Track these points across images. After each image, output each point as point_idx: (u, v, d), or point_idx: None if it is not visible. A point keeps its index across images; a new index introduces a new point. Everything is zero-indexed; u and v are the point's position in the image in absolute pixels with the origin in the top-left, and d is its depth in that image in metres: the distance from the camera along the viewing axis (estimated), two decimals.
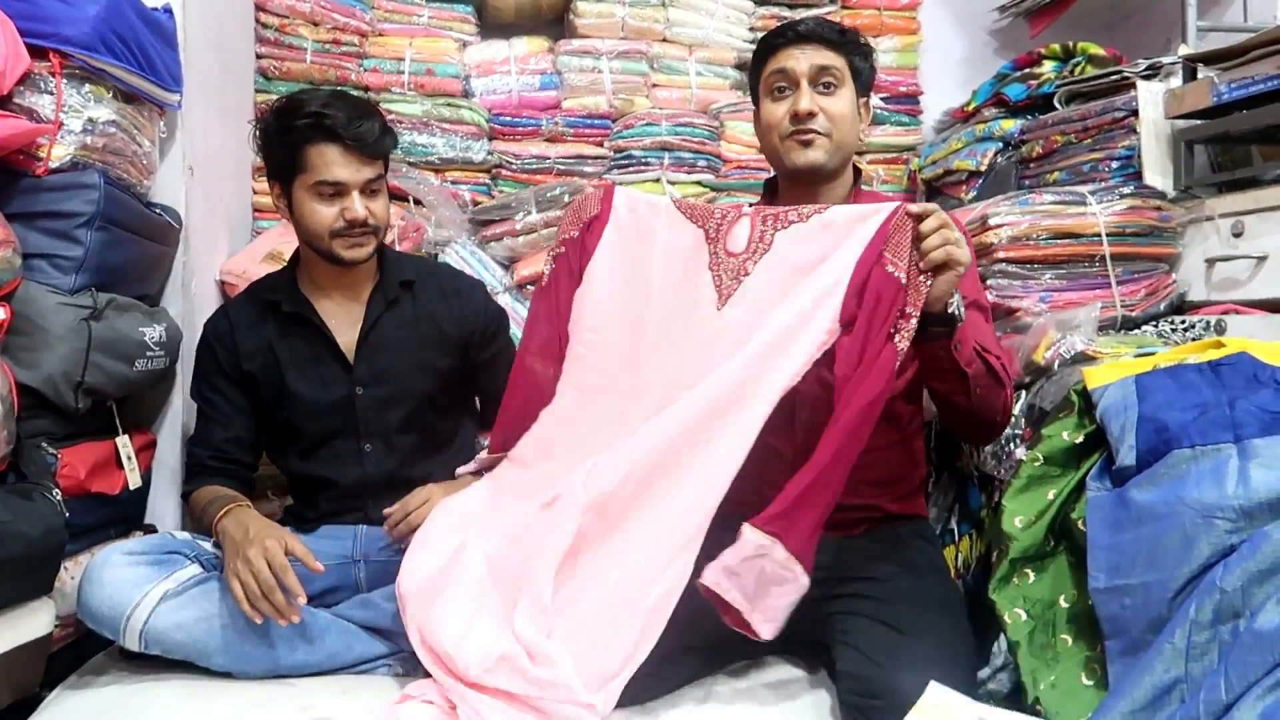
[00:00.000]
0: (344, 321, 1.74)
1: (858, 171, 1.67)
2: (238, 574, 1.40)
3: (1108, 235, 1.96)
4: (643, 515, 1.36)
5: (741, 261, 1.46)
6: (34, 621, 1.46)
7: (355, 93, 2.60)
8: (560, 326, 1.53)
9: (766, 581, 1.24)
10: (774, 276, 1.43)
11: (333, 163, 1.60)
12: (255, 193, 2.59)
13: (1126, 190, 2.03)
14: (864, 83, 1.61)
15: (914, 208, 1.36)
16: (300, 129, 1.59)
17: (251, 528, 1.47)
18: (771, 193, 1.70)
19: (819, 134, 1.54)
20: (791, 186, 1.63)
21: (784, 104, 1.57)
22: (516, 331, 1.91)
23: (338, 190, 1.61)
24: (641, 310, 1.50)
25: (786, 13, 2.92)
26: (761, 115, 1.63)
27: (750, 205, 1.55)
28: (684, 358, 1.44)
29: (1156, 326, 1.91)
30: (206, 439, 1.74)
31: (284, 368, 1.71)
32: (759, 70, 1.62)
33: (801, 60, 1.55)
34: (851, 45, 1.58)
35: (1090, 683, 1.24)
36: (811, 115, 1.54)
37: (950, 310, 1.38)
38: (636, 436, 1.40)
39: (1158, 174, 2.10)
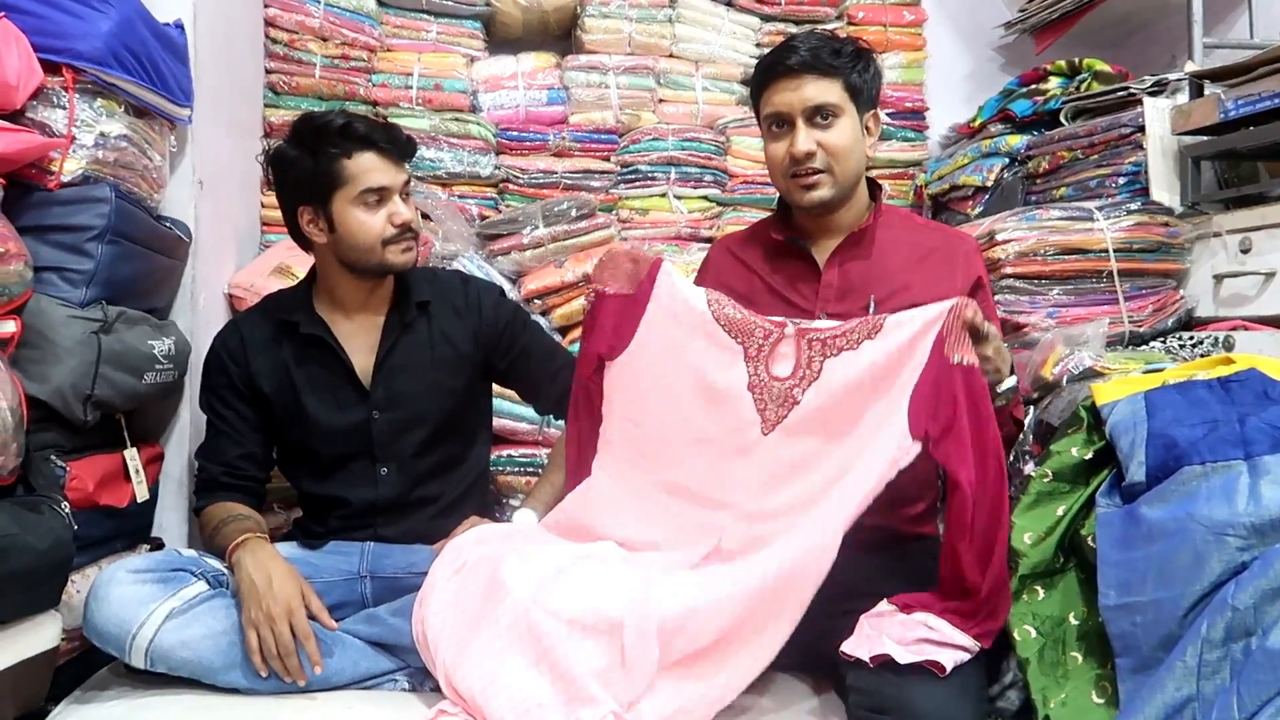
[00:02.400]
0: (361, 344, 1.73)
1: (875, 187, 1.66)
2: (257, 627, 1.42)
3: (1115, 251, 1.96)
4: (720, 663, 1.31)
5: (788, 389, 1.43)
6: (41, 635, 1.45)
7: (363, 108, 2.62)
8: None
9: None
10: (827, 405, 1.41)
11: (373, 169, 1.60)
12: (264, 206, 2.61)
13: (1133, 206, 2.03)
14: (868, 98, 1.57)
15: (967, 311, 1.34)
16: (336, 144, 1.59)
17: (275, 577, 1.46)
18: (785, 212, 1.68)
19: (819, 171, 1.53)
20: (803, 215, 1.63)
21: (783, 143, 1.54)
22: None
23: (381, 197, 1.62)
24: (677, 413, 1.49)
25: (793, 28, 2.93)
26: (766, 152, 1.61)
27: (792, 325, 1.46)
28: (727, 478, 1.45)
29: (1164, 342, 1.91)
30: (218, 454, 1.72)
31: (300, 391, 1.70)
32: (757, 103, 1.61)
33: (794, 97, 1.51)
34: (848, 65, 1.52)
35: (1101, 701, 1.23)
36: (810, 155, 1.52)
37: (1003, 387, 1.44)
38: (706, 585, 1.32)
39: (1165, 190, 2.11)
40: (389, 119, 2.24)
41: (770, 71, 1.55)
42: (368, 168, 1.60)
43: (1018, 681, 1.44)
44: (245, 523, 1.59)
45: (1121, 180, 2.18)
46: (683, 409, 1.49)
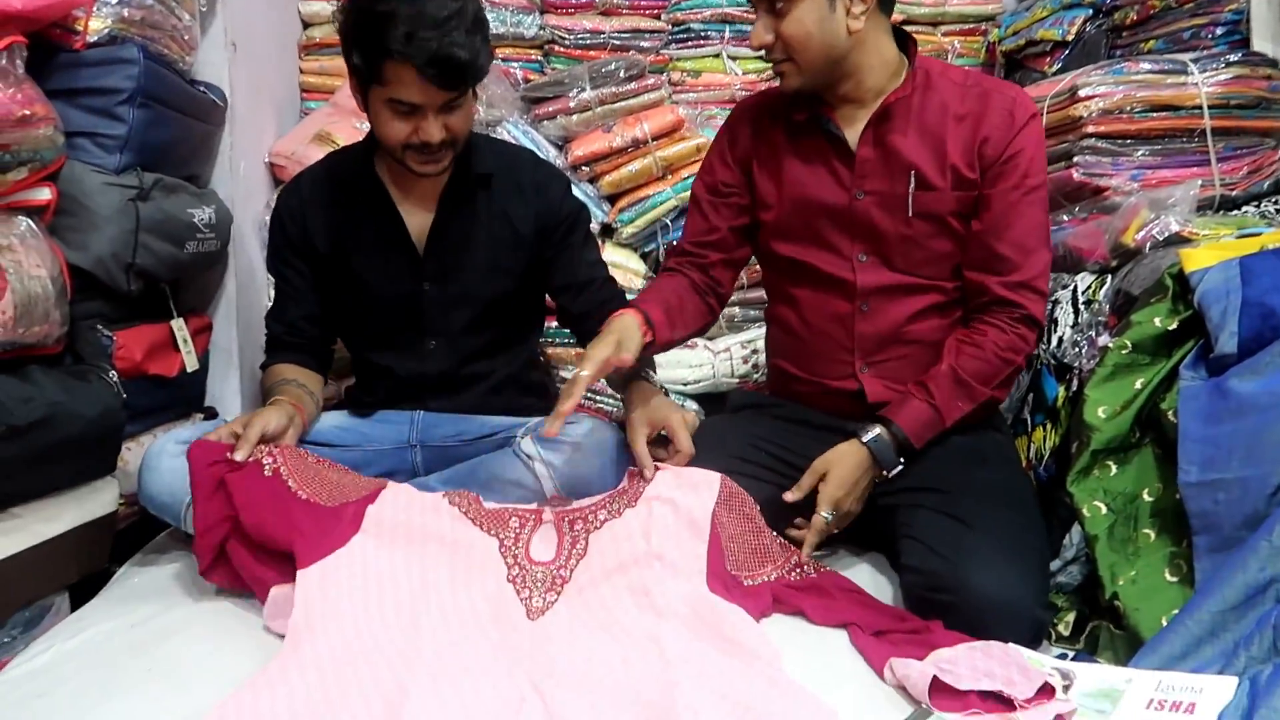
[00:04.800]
0: (418, 212, 1.65)
1: (907, 44, 1.49)
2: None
3: (1210, 107, 1.81)
4: None
5: (555, 571, 1.31)
6: (99, 500, 1.48)
7: None
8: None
9: None
10: (598, 578, 1.30)
11: (409, 84, 1.45)
12: (303, 72, 2.52)
13: (1233, 58, 1.86)
14: None
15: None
16: (383, 44, 1.43)
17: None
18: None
19: (780, 61, 1.42)
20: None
21: (755, 28, 1.43)
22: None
23: (412, 109, 1.49)
24: (416, 610, 1.25)
25: None
26: None
27: (550, 511, 1.38)
28: (499, 671, 1.15)
29: (1259, 206, 1.78)
30: (281, 314, 1.70)
31: (353, 254, 1.65)
32: None
33: None
34: None
35: (1174, 579, 1.18)
36: (765, 47, 1.41)
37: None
38: None
39: (1268, 40, 1.93)
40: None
41: None
42: (405, 80, 1.45)
43: (1081, 556, 1.41)
44: (288, 388, 1.57)
45: (1219, 30, 2.00)
46: (424, 606, 1.25)
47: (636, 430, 1.44)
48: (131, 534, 1.61)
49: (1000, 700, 1.03)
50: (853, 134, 1.47)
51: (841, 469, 1.38)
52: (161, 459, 1.44)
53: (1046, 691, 1.03)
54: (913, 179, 1.44)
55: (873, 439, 1.39)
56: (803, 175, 1.51)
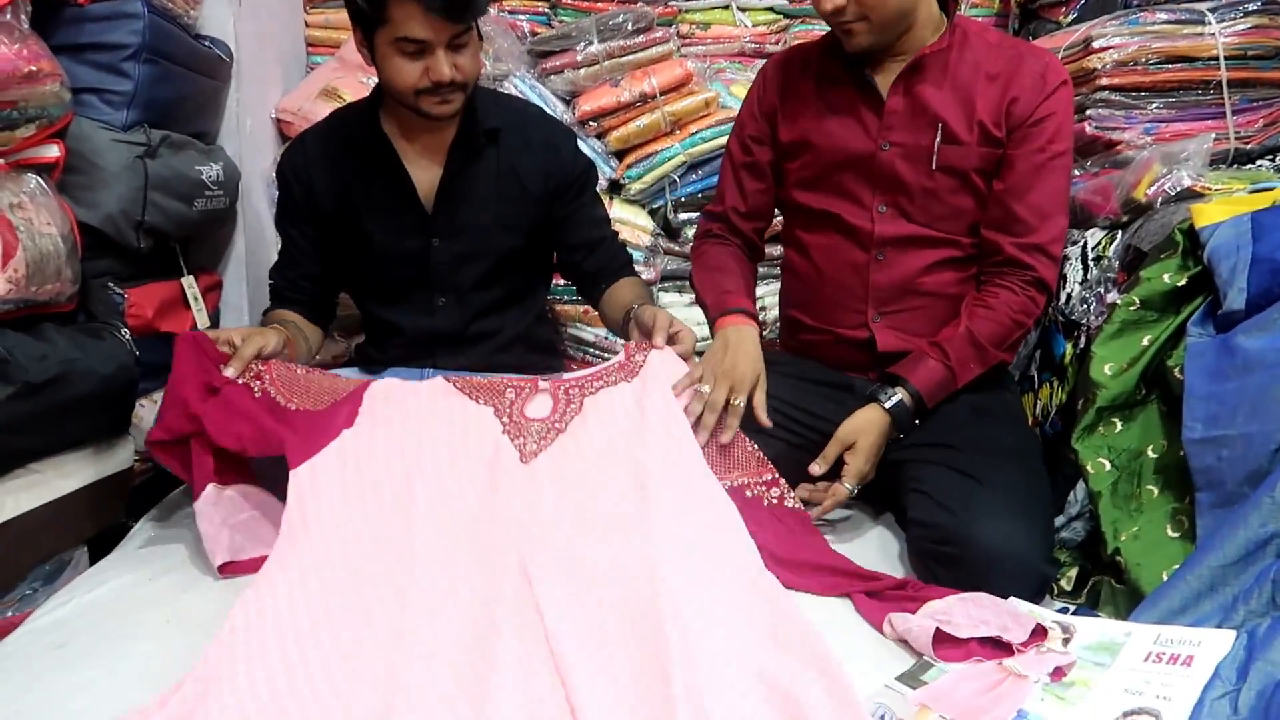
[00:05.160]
0: (425, 168, 1.64)
1: (946, 1, 1.48)
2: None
3: (1227, 59, 1.78)
4: None
5: (550, 424, 1.35)
6: (114, 457, 1.51)
7: None
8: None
9: None
10: (598, 435, 1.33)
11: (414, 19, 1.45)
12: (308, 25, 2.50)
13: (1252, 6, 1.82)
14: None
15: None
16: None
17: None
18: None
19: (852, 22, 1.39)
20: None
21: None
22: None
23: (421, 48, 1.48)
24: (412, 485, 1.26)
25: None
26: None
27: (545, 380, 1.42)
28: (490, 546, 1.18)
29: (1274, 160, 1.76)
30: (282, 271, 1.72)
31: (361, 211, 1.65)
32: None
33: None
34: None
35: (1176, 535, 1.19)
36: (839, 9, 1.37)
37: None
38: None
39: None
40: None
41: None
42: (411, 15, 1.44)
43: (1085, 512, 1.42)
44: (285, 327, 1.58)
45: None
46: (420, 480, 1.27)
47: (638, 331, 1.51)
48: (146, 489, 1.63)
49: (998, 646, 1.05)
50: (884, 84, 1.47)
51: (868, 439, 1.38)
52: None
53: (1039, 633, 1.05)
54: (940, 132, 1.44)
55: (896, 405, 1.39)
56: (830, 124, 1.51)
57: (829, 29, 1.49)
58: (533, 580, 1.11)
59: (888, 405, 1.39)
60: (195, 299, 1.80)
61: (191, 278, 1.80)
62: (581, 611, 1.06)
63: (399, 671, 0.98)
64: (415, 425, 1.34)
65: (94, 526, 1.48)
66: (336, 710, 0.96)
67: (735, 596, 1.10)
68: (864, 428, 1.38)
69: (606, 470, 1.29)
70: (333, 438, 1.30)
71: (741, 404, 1.37)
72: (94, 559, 1.43)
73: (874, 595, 1.19)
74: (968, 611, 1.07)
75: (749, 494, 1.33)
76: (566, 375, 1.46)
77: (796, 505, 1.33)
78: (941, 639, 1.06)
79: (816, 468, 1.37)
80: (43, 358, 1.32)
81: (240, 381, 1.35)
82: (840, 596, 1.21)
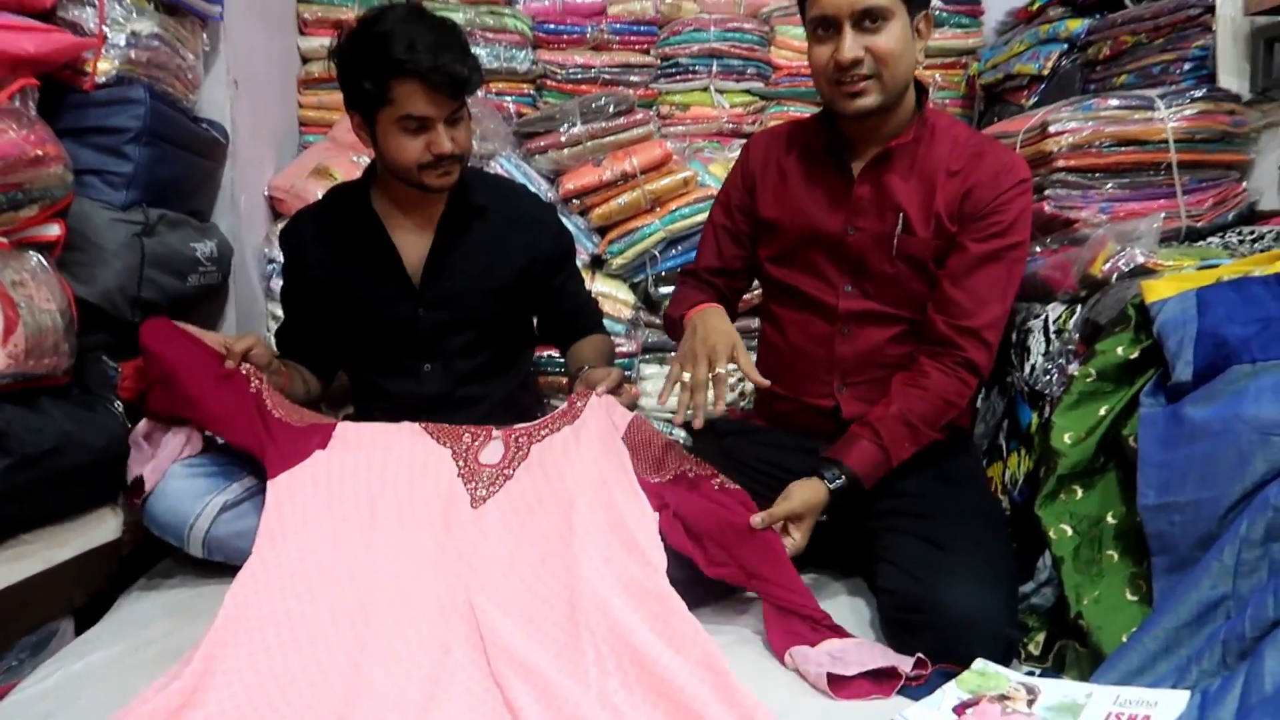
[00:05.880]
0: (414, 241, 1.73)
1: (922, 90, 1.57)
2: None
3: (1176, 141, 1.87)
4: None
5: (500, 470, 1.51)
6: (104, 527, 1.53)
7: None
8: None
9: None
10: (539, 479, 1.49)
11: (417, 97, 1.55)
12: (301, 106, 2.59)
13: (1198, 93, 1.92)
14: None
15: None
16: (388, 64, 1.53)
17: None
18: (829, 116, 1.59)
19: (866, 78, 1.44)
20: (849, 122, 1.54)
21: (828, 47, 1.45)
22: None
23: (423, 124, 1.58)
24: (374, 513, 1.43)
25: None
26: (809, 54, 1.52)
27: (498, 430, 1.59)
28: (442, 575, 1.35)
29: (1223, 238, 1.83)
30: (286, 334, 1.87)
31: (350, 282, 1.73)
32: (802, 3, 1.51)
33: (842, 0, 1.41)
34: None
35: (1134, 598, 1.23)
36: (857, 62, 1.43)
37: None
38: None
39: (1233, 75, 1.99)
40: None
41: None
42: (412, 94, 1.55)
43: (1053, 579, 1.45)
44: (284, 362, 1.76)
45: (1187, 66, 2.06)
46: (381, 505, 1.44)
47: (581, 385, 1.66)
48: (135, 560, 1.65)
49: (886, 676, 1.20)
50: (856, 170, 1.55)
51: (813, 517, 1.43)
52: (167, 481, 1.50)
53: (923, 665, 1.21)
54: (900, 221, 1.51)
55: (838, 487, 1.43)
56: (804, 204, 1.59)
57: (813, 111, 1.58)
58: (477, 611, 1.27)
59: (832, 486, 1.43)
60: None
61: None
62: (517, 638, 1.22)
63: (363, 670, 1.17)
64: (381, 453, 1.52)
65: (82, 596, 1.49)
66: (310, 696, 1.15)
67: (640, 607, 1.25)
68: (812, 505, 1.43)
69: (545, 513, 1.43)
70: (307, 456, 1.49)
71: (723, 370, 1.41)
72: (80, 629, 1.45)
73: (783, 610, 1.31)
74: (860, 653, 1.21)
75: (690, 475, 1.49)
76: (518, 425, 1.60)
77: (734, 486, 1.47)
78: (834, 679, 1.19)
79: (758, 521, 1.39)
80: (39, 430, 1.35)
81: (242, 370, 1.55)
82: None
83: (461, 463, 1.52)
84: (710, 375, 1.41)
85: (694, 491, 1.45)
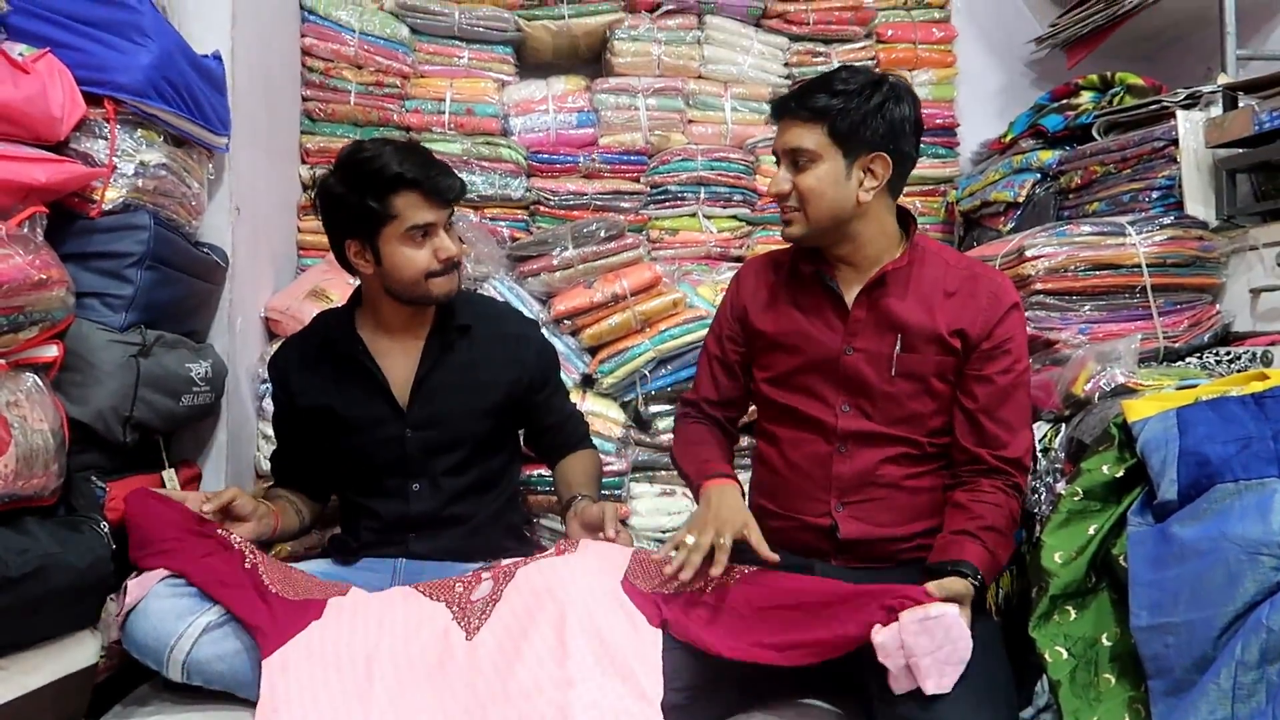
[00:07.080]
0: (400, 364, 1.76)
1: (910, 218, 1.63)
2: None
3: (1148, 266, 1.94)
4: None
5: (490, 599, 1.50)
6: (80, 652, 1.49)
7: (398, 134, 2.67)
8: None
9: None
10: (528, 595, 1.47)
11: (420, 207, 1.64)
12: (300, 230, 2.66)
13: (1167, 220, 2.00)
14: (866, 142, 1.50)
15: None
16: (386, 185, 1.63)
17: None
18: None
19: (794, 210, 1.57)
20: (821, 249, 1.63)
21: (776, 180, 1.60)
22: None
23: (427, 232, 1.66)
24: (371, 672, 1.42)
25: (821, 47, 2.94)
26: None
27: (487, 572, 1.57)
28: (445, 693, 1.38)
29: (1200, 358, 1.88)
30: (280, 458, 1.89)
31: (337, 407, 1.75)
32: None
33: (779, 140, 1.58)
34: (839, 110, 1.49)
35: None
36: (783, 195, 1.57)
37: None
38: None
39: (1199, 203, 2.08)
40: (422, 144, 2.29)
41: (772, 111, 1.64)
42: (414, 204, 1.64)
43: (1051, 704, 1.42)
44: (275, 497, 1.80)
45: (1155, 194, 2.15)
46: (377, 666, 1.43)
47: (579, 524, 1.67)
48: (110, 686, 1.60)
49: None
50: (850, 295, 1.60)
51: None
52: (149, 601, 1.46)
53: None
54: (899, 340, 1.56)
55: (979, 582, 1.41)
56: (800, 327, 1.63)
57: (787, 247, 1.65)
58: None
59: (974, 581, 1.40)
60: (175, 490, 1.83)
61: (172, 470, 1.84)
62: None
63: None
64: (376, 616, 1.49)
65: None
66: None
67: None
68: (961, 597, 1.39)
69: (538, 633, 1.40)
70: (302, 628, 1.45)
71: (728, 542, 1.41)
72: None
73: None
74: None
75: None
76: (505, 561, 1.59)
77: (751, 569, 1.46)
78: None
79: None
80: (23, 551, 1.34)
81: (235, 544, 1.53)
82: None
83: (456, 608, 1.50)
84: (714, 543, 1.43)
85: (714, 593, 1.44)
